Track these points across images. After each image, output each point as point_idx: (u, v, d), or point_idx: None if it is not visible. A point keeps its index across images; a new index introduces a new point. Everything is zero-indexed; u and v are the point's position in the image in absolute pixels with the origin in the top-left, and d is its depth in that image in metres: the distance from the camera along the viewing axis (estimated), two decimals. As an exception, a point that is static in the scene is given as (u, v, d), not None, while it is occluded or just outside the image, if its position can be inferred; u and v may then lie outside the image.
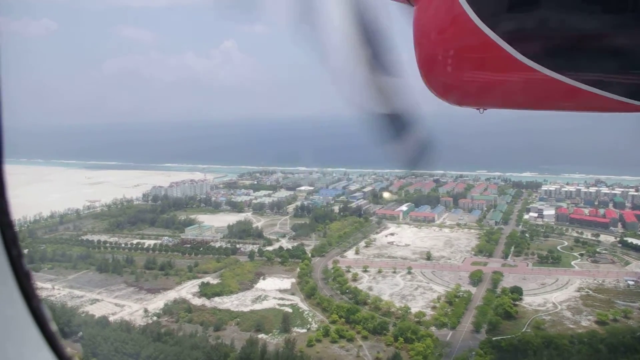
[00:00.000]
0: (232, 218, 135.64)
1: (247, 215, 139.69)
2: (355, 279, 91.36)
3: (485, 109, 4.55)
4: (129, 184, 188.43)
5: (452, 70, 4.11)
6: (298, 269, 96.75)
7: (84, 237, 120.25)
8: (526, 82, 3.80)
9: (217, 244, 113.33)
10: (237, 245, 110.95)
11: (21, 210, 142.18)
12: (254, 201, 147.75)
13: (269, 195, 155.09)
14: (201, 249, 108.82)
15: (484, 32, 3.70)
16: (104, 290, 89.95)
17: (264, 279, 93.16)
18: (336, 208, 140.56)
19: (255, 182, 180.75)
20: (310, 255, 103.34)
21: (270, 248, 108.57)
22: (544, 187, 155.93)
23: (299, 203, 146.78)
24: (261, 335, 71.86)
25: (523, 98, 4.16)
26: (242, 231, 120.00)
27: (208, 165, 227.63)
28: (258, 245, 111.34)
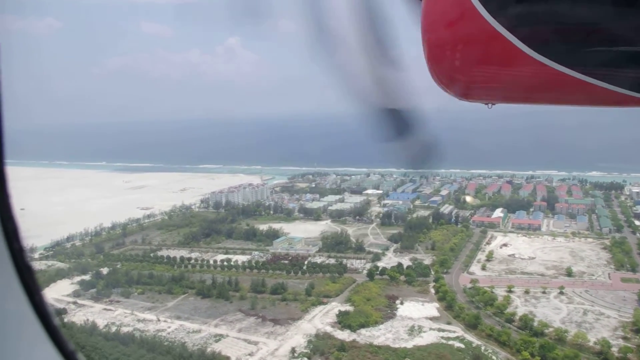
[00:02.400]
0: (311, 227, 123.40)
1: (326, 223, 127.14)
2: (507, 301, 79.44)
3: (494, 104, 4.31)
4: (173, 188, 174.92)
5: (460, 64, 3.94)
6: (432, 290, 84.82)
7: (159, 253, 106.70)
8: (535, 76, 3.65)
9: (316, 259, 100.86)
10: (342, 261, 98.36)
11: (72, 219, 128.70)
12: (330, 208, 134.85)
13: (342, 201, 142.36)
14: (305, 266, 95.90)
15: (493, 26, 3.56)
16: (221, 322, 76.92)
17: (401, 303, 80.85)
18: (418, 213, 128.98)
19: (314, 185, 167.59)
20: (434, 272, 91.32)
21: (383, 264, 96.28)
22: (634, 189, 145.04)
23: (378, 209, 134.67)
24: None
25: (532, 92, 4.00)
26: (338, 243, 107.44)
27: (247, 166, 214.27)
28: (364, 261, 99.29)
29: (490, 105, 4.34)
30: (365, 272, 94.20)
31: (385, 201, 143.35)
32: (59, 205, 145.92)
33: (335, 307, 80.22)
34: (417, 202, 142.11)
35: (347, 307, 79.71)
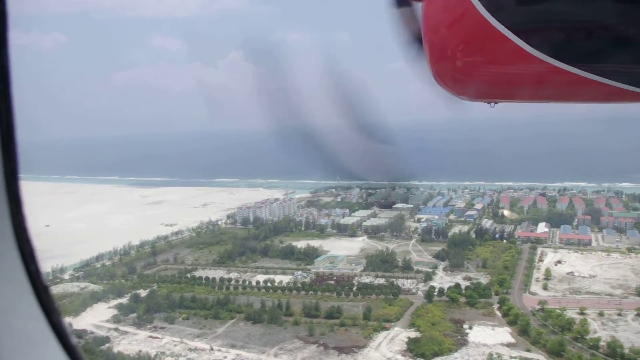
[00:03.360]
0: (348, 244, 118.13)
1: (363, 239, 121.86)
2: (583, 325, 74.12)
3: (496, 103, 4.33)
4: (193, 204, 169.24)
5: (462, 64, 3.99)
6: (498, 313, 79.51)
7: (195, 273, 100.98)
8: (536, 74, 3.70)
9: (363, 279, 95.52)
10: (392, 281, 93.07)
11: (96, 236, 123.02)
12: (365, 224, 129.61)
13: (374, 216, 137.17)
14: (355, 287, 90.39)
15: (493, 25, 3.60)
16: (280, 351, 71.17)
17: (470, 328, 75.39)
18: (457, 229, 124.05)
19: (339, 199, 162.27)
20: (495, 293, 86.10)
21: (435, 284, 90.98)
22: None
23: (413, 224, 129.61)
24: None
25: (534, 90, 4.05)
26: (384, 262, 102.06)
27: (264, 179, 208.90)
28: (414, 280, 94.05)
29: (492, 104, 4.29)
30: (419, 293, 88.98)
31: (419, 216, 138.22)
32: (78, 221, 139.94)
33: (399, 332, 74.88)
34: (452, 217, 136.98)
35: (413, 333, 74.26)
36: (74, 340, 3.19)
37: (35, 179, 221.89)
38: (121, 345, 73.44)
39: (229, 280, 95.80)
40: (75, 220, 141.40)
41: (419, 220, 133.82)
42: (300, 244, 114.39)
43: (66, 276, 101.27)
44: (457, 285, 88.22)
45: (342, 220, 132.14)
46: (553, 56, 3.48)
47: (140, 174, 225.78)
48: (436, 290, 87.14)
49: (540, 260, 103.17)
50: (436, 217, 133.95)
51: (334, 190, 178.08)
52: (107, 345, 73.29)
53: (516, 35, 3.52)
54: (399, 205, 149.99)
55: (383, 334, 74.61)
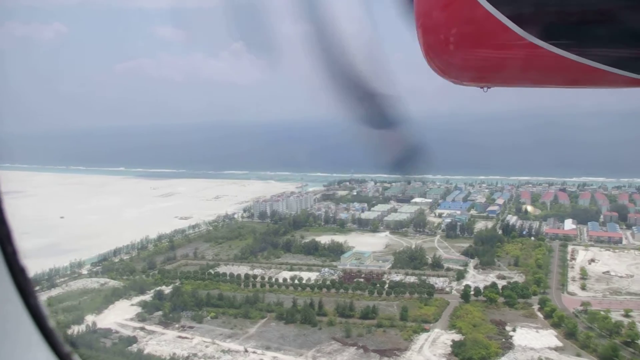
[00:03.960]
0: (371, 240, 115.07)
1: (386, 235, 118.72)
2: (632, 328, 71.25)
3: (489, 87, 4.34)
4: (205, 196, 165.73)
5: (455, 48, 3.98)
6: (539, 314, 76.64)
7: (218, 269, 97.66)
8: (529, 58, 3.71)
9: (392, 276, 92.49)
10: (424, 279, 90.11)
11: (110, 229, 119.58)
12: (386, 218, 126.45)
13: (394, 210, 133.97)
14: (387, 286, 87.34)
15: (486, 9, 3.60)
16: (318, 353, 68.04)
17: (513, 330, 72.45)
18: (481, 224, 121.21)
19: (355, 193, 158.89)
20: (533, 292, 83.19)
21: (468, 283, 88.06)
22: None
23: (435, 219, 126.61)
24: None
25: (526, 75, 4.07)
26: (413, 259, 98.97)
27: (273, 172, 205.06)
28: (446, 279, 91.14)
29: (485, 89, 4.28)
30: (454, 292, 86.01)
31: (439, 210, 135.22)
32: (91, 213, 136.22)
33: (440, 334, 71.90)
34: (473, 212, 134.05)
35: (455, 335, 71.27)
36: (51, 323, 3.09)
37: (40, 169, 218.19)
38: (150, 346, 70.18)
39: (254, 277, 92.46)
40: (88, 212, 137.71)
41: (439, 215, 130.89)
42: (323, 239, 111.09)
43: (84, 271, 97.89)
44: (494, 285, 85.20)
45: (363, 215, 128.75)
46: (546, 40, 3.44)
47: (147, 165, 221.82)
48: (472, 289, 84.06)
49: (573, 258, 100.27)
50: (458, 212, 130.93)
51: (348, 183, 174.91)
52: (135, 345, 69.91)
53: (509, 20, 3.46)
54: (417, 199, 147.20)
55: (423, 336, 71.63)
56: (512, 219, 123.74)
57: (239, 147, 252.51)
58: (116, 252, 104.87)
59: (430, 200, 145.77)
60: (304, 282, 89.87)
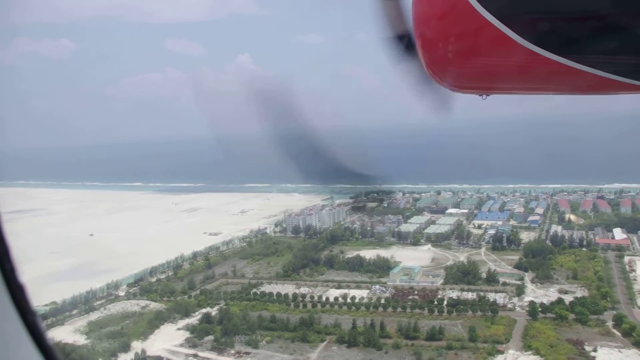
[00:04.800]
0: (414, 254, 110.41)
1: (428, 248, 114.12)
2: None
3: (488, 95, 4.34)
4: (230, 210, 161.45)
5: (453, 56, 3.99)
6: (617, 332, 71.79)
7: (262, 288, 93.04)
8: (527, 65, 3.70)
9: (448, 293, 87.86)
10: (483, 296, 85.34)
11: (140, 248, 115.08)
12: (426, 231, 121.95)
13: (433, 222, 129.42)
14: (446, 303, 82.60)
15: (484, 16, 3.60)
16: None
17: (594, 350, 67.59)
18: (524, 235, 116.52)
19: (386, 205, 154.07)
20: (603, 307, 78.43)
21: (530, 299, 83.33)
22: None
23: (476, 231, 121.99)
24: None
25: (524, 81, 4.09)
26: (465, 274, 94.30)
27: (296, 184, 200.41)
28: (504, 294, 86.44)
29: (484, 96, 4.25)
30: (517, 308, 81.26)
31: (477, 221, 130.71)
32: (118, 231, 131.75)
33: (517, 356, 67.11)
34: (513, 222, 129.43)
35: (532, 358, 66.55)
36: (49, 338, 2.99)
37: (55, 186, 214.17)
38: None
39: (303, 296, 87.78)
40: (114, 229, 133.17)
41: (479, 227, 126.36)
42: (365, 254, 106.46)
43: (121, 292, 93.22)
44: (560, 301, 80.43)
45: (401, 228, 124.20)
46: (544, 47, 3.43)
47: (164, 179, 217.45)
48: (537, 306, 79.33)
49: (632, 269, 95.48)
50: (499, 222, 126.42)
51: (375, 195, 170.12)
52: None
53: (507, 27, 3.47)
54: (451, 210, 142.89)
55: (499, 359, 66.75)
56: (557, 229, 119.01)
57: (256, 160, 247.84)
58: (152, 271, 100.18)
59: (465, 210, 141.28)
60: (356, 300, 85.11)
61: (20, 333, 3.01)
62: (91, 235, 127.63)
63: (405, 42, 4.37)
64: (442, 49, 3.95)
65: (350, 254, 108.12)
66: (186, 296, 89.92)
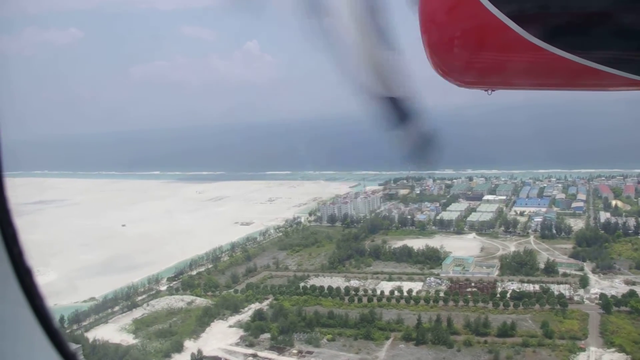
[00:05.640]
0: (460, 243, 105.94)
1: (474, 237, 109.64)
2: None
3: (494, 90, 4.32)
4: (257, 199, 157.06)
5: (459, 51, 3.96)
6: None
7: (309, 282, 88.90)
8: (534, 61, 3.68)
9: (507, 285, 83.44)
10: (548, 288, 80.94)
11: (171, 238, 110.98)
12: (469, 219, 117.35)
13: (473, 210, 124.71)
14: (509, 296, 78.21)
15: (490, 11, 3.57)
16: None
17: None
18: (572, 223, 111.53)
19: (418, 192, 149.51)
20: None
21: (599, 290, 78.88)
22: None
23: (520, 218, 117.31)
24: None
25: (531, 77, 4.05)
26: (521, 264, 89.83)
27: (319, 171, 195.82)
28: (568, 286, 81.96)
29: (490, 91, 4.29)
30: (586, 301, 76.84)
31: (518, 208, 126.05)
32: (146, 221, 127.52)
33: (602, 354, 62.84)
34: (555, 209, 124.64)
35: (618, 355, 62.24)
36: (57, 323, 2.91)
37: (72, 175, 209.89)
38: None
39: (356, 290, 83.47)
40: (142, 220, 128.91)
41: (521, 214, 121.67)
42: (412, 244, 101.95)
43: (163, 287, 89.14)
44: (632, 293, 75.90)
45: (442, 216, 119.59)
46: (551, 43, 3.42)
47: (182, 168, 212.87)
48: (609, 298, 74.91)
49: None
50: (543, 209, 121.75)
51: (405, 181, 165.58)
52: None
53: (514, 22, 3.45)
54: (488, 197, 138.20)
55: (581, 357, 62.51)
56: (605, 216, 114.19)
57: (276, 146, 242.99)
58: (192, 264, 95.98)
59: (503, 197, 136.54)
60: (413, 294, 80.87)
61: (28, 317, 3.01)
62: (123, 225, 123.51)
63: (394, 108, 4.08)
64: (448, 44, 3.87)
65: (394, 243, 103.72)
66: (232, 291, 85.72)
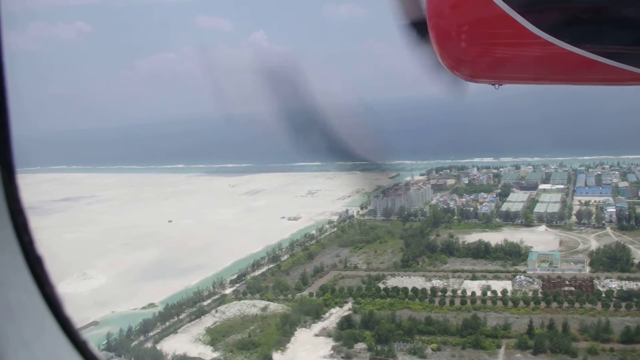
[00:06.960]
0: (535, 237, 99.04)
1: (545, 230, 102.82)
2: None
3: (501, 84, 4.28)
4: (296, 192, 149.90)
5: (467, 45, 3.93)
6: None
7: (386, 282, 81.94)
8: (542, 55, 3.66)
9: (606, 282, 76.61)
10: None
11: (219, 236, 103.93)
12: (536, 210, 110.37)
13: (537, 201, 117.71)
14: (616, 296, 71.42)
15: (499, 6, 3.56)
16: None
17: None
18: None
19: (467, 182, 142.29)
20: None
21: None
22: None
23: (587, 208, 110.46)
24: None
25: (539, 72, 4.02)
26: (613, 259, 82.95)
27: (347, 162, 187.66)
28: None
29: (497, 86, 4.28)
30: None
31: (581, 198, 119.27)
32: (184, 217, 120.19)
33: None
34: (621, 197, 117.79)
35: None
36: (68, 311, 3.12)
37: (93, 170, 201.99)
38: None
39: (443, 290, 76.54)
40: (182, 215, 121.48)
41: (585, 203, 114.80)
42: (483, 238, 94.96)
43: (228, 291, 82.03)
44: None
45: (503, 207, 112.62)
46: (558, 37, 3.40)
47: (206, 161, 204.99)
48: None
49: None
50: (609, 198, 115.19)
51: (448, 170, 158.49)
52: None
53: (521, 17, 3.44)
54: (544, 186, 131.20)
55: None
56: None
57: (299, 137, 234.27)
58: (254, 265, 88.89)
59: (560, 186, 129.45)
60: (508, 294, 74.01)
61: (39, 304, 3.01)
62: (170, 221, 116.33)
63: (419, 29, 4.16)
64: (456, 39, 3.80)
65: (463, 238, 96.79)
66: (305, 294, 78.72)
